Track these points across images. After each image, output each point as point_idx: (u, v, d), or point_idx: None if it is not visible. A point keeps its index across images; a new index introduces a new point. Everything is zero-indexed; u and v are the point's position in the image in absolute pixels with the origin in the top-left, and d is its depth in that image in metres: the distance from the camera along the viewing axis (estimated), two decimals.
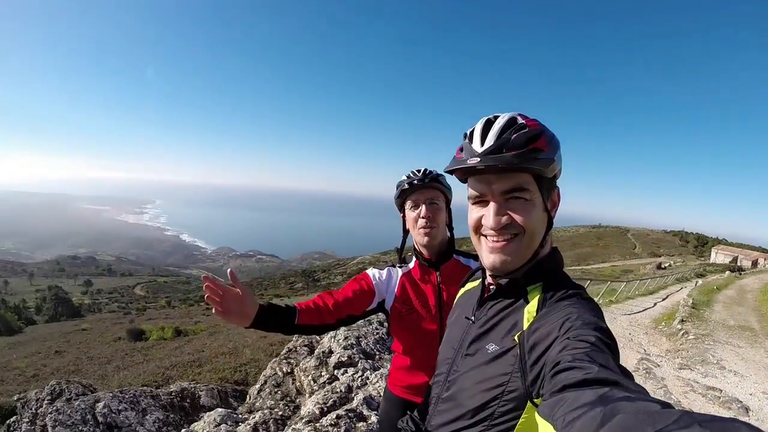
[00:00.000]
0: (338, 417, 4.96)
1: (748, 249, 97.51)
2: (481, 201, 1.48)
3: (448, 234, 2.68)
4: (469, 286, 1.85)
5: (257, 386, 7.04)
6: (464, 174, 1.51)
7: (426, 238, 2.53)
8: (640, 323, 18.62)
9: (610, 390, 0.90)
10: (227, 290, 1.98)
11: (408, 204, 2.61)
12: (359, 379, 5.88)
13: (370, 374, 6.16)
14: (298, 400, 6.22)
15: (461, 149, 1.51)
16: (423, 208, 2.53)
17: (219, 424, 5.53)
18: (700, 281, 40.61)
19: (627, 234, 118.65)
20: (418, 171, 2.60)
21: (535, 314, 1.39)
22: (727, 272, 53.95)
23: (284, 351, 7.43)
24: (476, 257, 2.29)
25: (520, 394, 1.31)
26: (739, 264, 74.36)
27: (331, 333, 7.16)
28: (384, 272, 2.66)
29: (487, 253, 1.47)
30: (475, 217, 1.49)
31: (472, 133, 1.50)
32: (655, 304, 25.14)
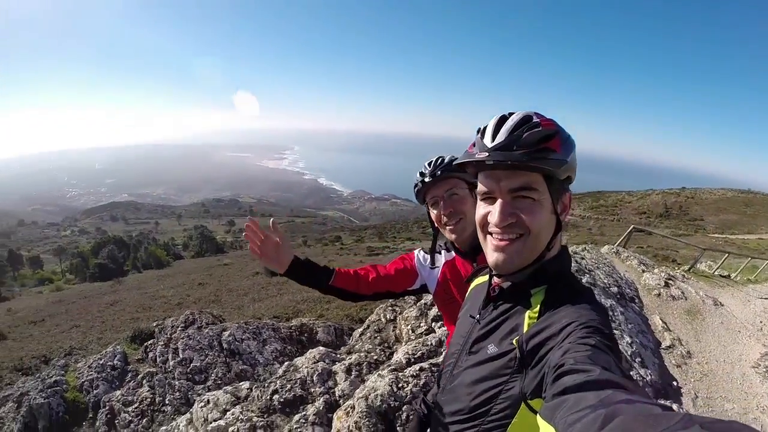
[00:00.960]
0: (421, 369, 4.99)
1: None
2: (488, 198, 1.46)
3: None
4: (479, 281, 1.83)
5: (361, 329, 7.28)
6: (474, 168, 1.49)
7: (454, 235, 2.38)
8: None
9: (612, 392, 0.92)
10: (267, 236, 2.23)
11: (428, 201, 2.47)
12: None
13: None
14: (394, 347, 6.29)
15: (473, 144, 1.49)
16: (442, 204, 2.36)
17: (317, 361, 5.74)
18: None
19: None
20: (429, 163, 2.43)
21: (536, 318, 1.39)
22: None
23: (390, 300, 7.38)
24: None
25: (516, 396, 1.33)
26: None
27: None
28: (428, 257, 2.57)
29: (491, 251, 1.46)
30: (482, 213, 1.48)
31: (485, 128, 1.47)
32: None
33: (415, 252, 2.64)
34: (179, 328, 9.82)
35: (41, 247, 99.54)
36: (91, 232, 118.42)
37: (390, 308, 7.11)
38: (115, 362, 8.85)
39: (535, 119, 1.41)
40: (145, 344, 9.68)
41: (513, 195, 1.39)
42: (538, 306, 1.41)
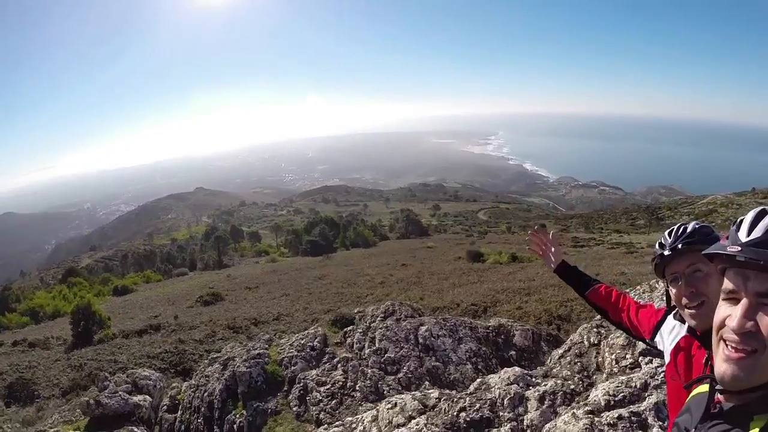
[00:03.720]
0: (619, 417, 4.42)
1: None
2: (732, 298, 1.27)
3: None
4: (699, 390, 1.55)
5: (561, 350, 6.69)
6: (722, 263, 1.32)
7: (695, 321, 2.01)
8: None
9: None
10: (548, 239, 2.94)
11: (668, 276, 2.12)
12: (660, 376, 4.99)
13: None
14: (594, 377, 5.71)
15: (727, 236, 1.35)
16: (683, 282, 2.01)
17: (511, 383, 5.49)
18: None
19: None
20: (670, 233, 2.12)
21: None
22: None
23: (597, 317, 6.68)
24: None
25: None
26: None
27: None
28: (676, 324, 2.23)
29: (721, 361, 1.28)
30: (721, 315, 1.30)
31: (742, 220, 1.32)
32: None
33: (670, 315, 2.29)
34: (378, 318, 10.33)
35: (259, 224, 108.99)
36: (305, 212, 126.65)
37: (595, 330, 6.48)
38: (315, 343, 9.35)
39: None
40: (345, 329, 10.14)
41: (760, 300, 1.19)
42: None
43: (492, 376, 5.87)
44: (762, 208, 1.31)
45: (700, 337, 2.02)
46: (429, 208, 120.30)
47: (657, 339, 2.33)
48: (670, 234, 2.10)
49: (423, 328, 8.80)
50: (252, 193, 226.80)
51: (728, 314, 1.25)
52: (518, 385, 5.42)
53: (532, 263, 24.17)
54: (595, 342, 6.46)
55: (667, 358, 2.25)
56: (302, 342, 9.32)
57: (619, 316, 2.50)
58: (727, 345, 1.25)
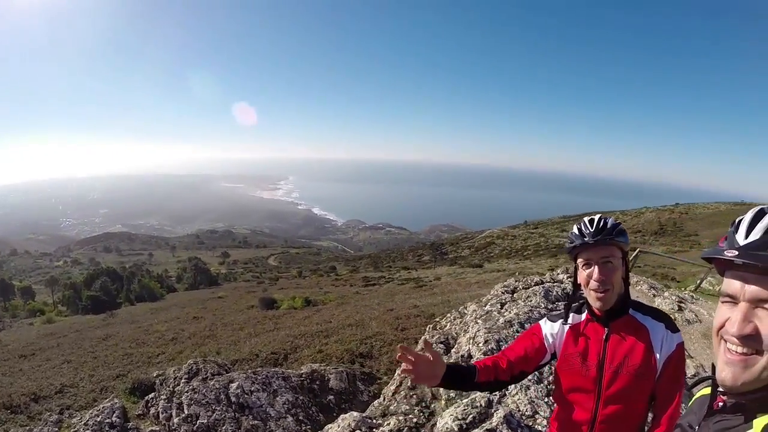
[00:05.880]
0: None
1: None
2: (731, 301, 1.29)
3: (623, 288, 2.37)
4: (702, 392, 1.61)
5: (392, 386, 6.76)
6: (721, 266, 1.34)
7: (598, 303, 2.29)
8: None
9: None
10: (419, 356, 2.18)
11: (579, 261, 2.36)
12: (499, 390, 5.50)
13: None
14: (432, 406, 5.91)
15: (725, 237, 1.35)
16: (596, 270, 2.26)
17: (354, 430, 5.36)
18: None
19: None
20: (591, 223, 2.32)
21: None
22: None
23: (419, 348, 7.08)
24: (656, 314, 2.38)
25: None
26: None
27: (470, 333, 6.91)
28: (556, 325, 2.52)
29: (722, 363, 1.29)
30: (721, 318, 1.31)
31: (740, 222, 1.32)
32: None
33: (541, 324, 2.57)
34: (183, 380, 9.46)
35: (33, 278, 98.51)
36: (85, 263, 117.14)
37: None
38: (114, 419, 8.16)
39: None
40: (146, 398, 9.18)
41: (757, 304, 1.23)
42: None
43: (330, 426, 5.77)
44: (760, 208, 1.32)
45: (601, 317, 2.35)
46: (218, 255, 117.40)
47: (548, 352, 2.49)
48: (591, 224, 2.30)
49: (233, 386, 8.21)
50: (25, 240, 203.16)
51: (727, 317, 1.28)
52: (361, 430, 5.37)
53: (327, 305, 24.62)
54: None
55: (558, 351, 2.47)
56: (98, 419, 8.05)
57: (515, 369, 2.45)
58: (728, 347, 1.28)
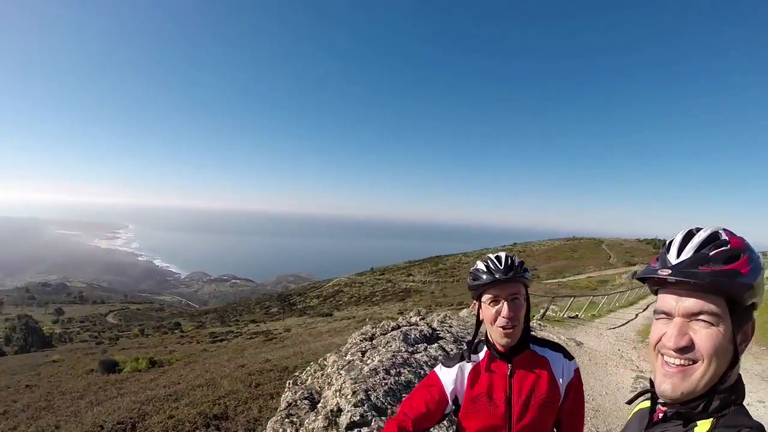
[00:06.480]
0: None
1: None
2: (665, 317, 1.41)
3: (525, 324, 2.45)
4: (641, 406, 1.72)
5: None
6: (654, 285, 1.45)
7: (506, 339, 2.32)
8: (626, 337, 18.76)
9: None
10: None
11: (486, 297, 2.36)
12: None
13: None
14: None
15: (657, 258, 1.46)
16: (505, 306, 2.29)
17: None
18: None
19: (601, 245, 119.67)
20: (498, 260, 2.36)
21: None
22: None
23: (283, 406, 6.76)
24: (553, 345, 2.49)
25: None
26: None
27: (336, 386, 6.58)
28: (454, 369, 2.43)
29: (661, 376, 1.40)
30: (657, 333, 1.42)
31: (671, 242, 1.45)
32: (637, 315, 26.19)
33: (437, 372, 2.46)
34: None
35: None
36: None
37: (287, 420, 6.33)
38: None
39: (724, 236, 1.39)
40: None
41: (691, 318, 1.35)
42: None
43: None
44: (689, 229, 1.44)
45: (503, 354, 2.35)
46: (51, 312, 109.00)
47: (448, 393, 2.39)
48: (499, 262, 2.32)
49: None
50: None
51: (663, 332, 1.39)
52: None
53: (174, 366, 23.46)
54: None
55: (461, 396, 2.38)
56: None
57: (420, 428, 2.32)
58: (665, 360, 1.39)
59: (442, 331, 10.31)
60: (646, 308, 29.31)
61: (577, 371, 2.46)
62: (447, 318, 13.22)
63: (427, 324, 11.07)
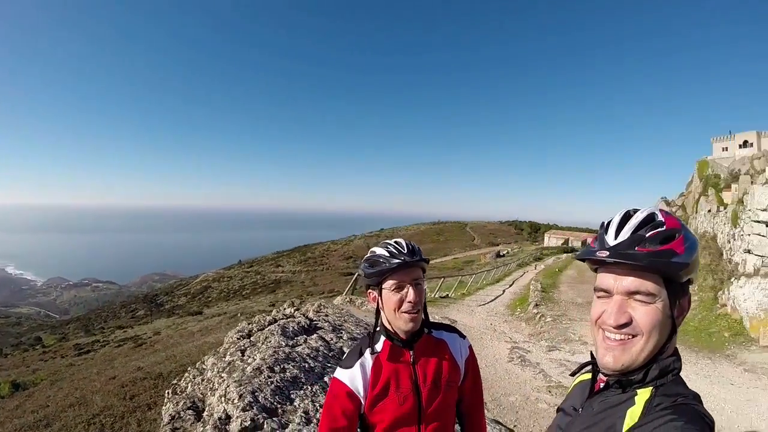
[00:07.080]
0: None
1: (578, 231, 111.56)
2: (605, 295, 1.46)
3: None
4: (582, 378, 1.79)
5: None
6: (593, 264, 1.51)
7: (411, 324, 2.28)
8: (497, 312, 19.61)
9: None
10: None
11: (389, 284, 2.28)
12: None
13: None
14: None
15: (596, 238, 1.52)
16: (411, 291, 2.26)
17: None
18: (542, 265, 44.28)
19: (466, 227, 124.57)
20: (400, 244, 2.33)
21: (636, 419, 1.36)
22: (565, 254, 59.50)
23: (166, 420, 6.28)
24: (447, 328, 2.53)
25: None
26: (570, 245, 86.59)
27: (220, 391, 6.23)
28: (355, 368, 2.30)
29: (602, 350, 1.45)
30: (598, 310, 1.47)
31: (609, 224, 1.50)
32: (504, 291, 27.28)
33: (338, 377, 2.31)
34: None
35: None
36: None
37: None
38: None
39: (660, 218, 1.44)
40: None
41: (630, 295, 1.39)
42: (642, 407, 1.38)
43: None
44: (626, 211, 1.49)
45: (405, 341, 2.31)
46: None
47: (359, 395, 2.26)
48: (402, 246, 2.30)
49: None
50: None
51: (603, 309, 1.44)
52: None
53: (39, 386, 21.84)
54: None
55: (366, 393, 2.26)
56: None
57: None
58: (606, 335, 1.43)
59: (319, 320, 10.28)
60: (512, 284, 31.05)
61: (470, 348, 2.55)
62: (322, 307, 13.19)
63: (303, 315, 11.03)
